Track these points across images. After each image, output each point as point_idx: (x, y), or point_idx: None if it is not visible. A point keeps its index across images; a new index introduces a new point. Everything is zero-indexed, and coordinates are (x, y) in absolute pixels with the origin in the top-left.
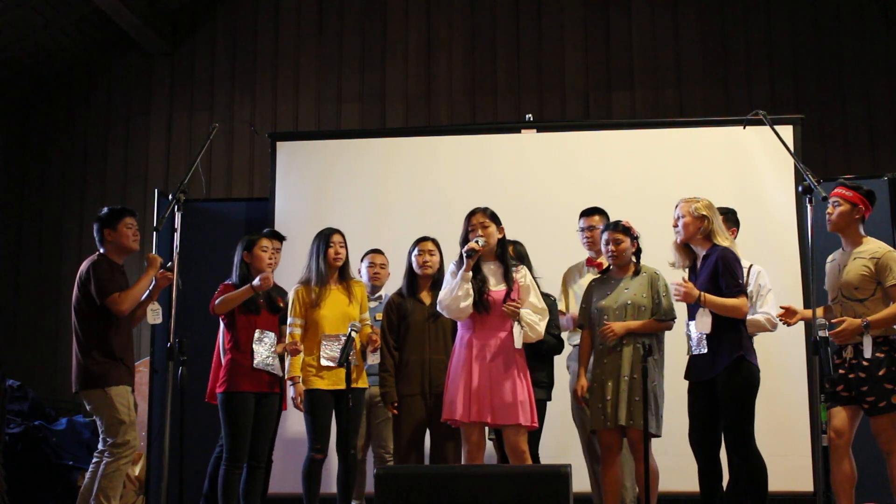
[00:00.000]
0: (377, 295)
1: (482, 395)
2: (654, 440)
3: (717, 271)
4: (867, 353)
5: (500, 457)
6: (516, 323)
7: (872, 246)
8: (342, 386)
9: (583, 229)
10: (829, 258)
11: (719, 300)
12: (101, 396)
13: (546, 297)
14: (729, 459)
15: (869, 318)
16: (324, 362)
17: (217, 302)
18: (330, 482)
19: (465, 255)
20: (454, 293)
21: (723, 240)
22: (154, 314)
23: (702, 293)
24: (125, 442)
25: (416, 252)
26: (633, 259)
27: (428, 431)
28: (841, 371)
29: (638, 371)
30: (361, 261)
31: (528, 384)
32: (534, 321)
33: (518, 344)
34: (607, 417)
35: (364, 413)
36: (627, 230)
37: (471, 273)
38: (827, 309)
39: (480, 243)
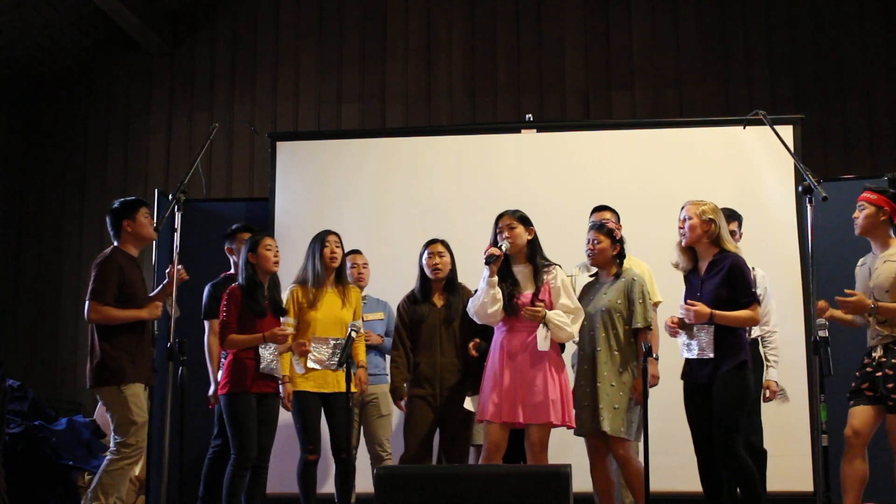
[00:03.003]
0: (362, 296)
1: (513, 396)
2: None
3: (731, 280)
4: (869, 338)
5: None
6: (542, 326)
7: None
8: (327, 389)
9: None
10: (860, 262)
11: (731, 315)
12: (115, 394)
13: None
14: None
15: (880, 304)
16: (310, 364)
17: (227, 342)
18: (328, 482)
19: (485, 261)
20: (481, 300)
21: (731, 245)
22: (175, 309)
23: (713, 312)
24: (134, 443)
25: (425, 255)
26: (616, 262)
27: (438, 433)
28: (868, 370)
29: (617, 378)
30: None
31: (563, 383)
32: (563, 322)
33: (543, 347)
34: (586, 423)
35: (357, 412)
36: (611, 232)
37: (496, 279)
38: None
39: (504, 248)
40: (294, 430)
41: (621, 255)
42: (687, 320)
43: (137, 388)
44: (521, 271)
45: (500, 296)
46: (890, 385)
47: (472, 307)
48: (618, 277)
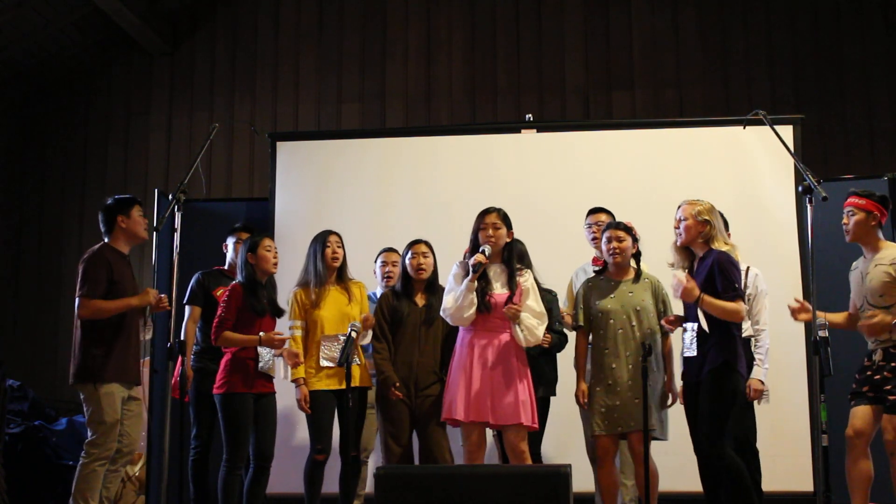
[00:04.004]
0: None
1: (483, 395)
2: (654, 441)
3: (713, 274)
4: (869, 341)
5: (502, 456)
6: (516, 326)
7: (892, 251)
8: (342, 386)
9: (590, 225)
10: (852, 266)
11: (717, 302)
12: (91, 392)
13: (548, 292)
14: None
15: None
16: (323, 363)
17: (220, 338)
18: (331, 482)
19: (471, 268)
20: (459, 303)
21: (721, 244)
22: (147, 330)
23: (701, 294)
24: (101, 443)
25: (409, 255)
26: (633, 261)
27: (415, 432)
28: (868, 373)
29: (637, 374)
30: (375, 260)
31: (530, 385)
32: (532, 325)
33: (523, 343)
34: (607, 422)
35: (375, 413)
36: (629, 230)
37: (476, 284)
38: (852, 317)
39: (487, 253)
40: (296, 430)
41: (638, 253)
42: (674, 295)
43: (114, 388)
44: (495, 270)
45: (476, 299)
46: (888, 387)
47: (448, 308)
48: (638, 277)
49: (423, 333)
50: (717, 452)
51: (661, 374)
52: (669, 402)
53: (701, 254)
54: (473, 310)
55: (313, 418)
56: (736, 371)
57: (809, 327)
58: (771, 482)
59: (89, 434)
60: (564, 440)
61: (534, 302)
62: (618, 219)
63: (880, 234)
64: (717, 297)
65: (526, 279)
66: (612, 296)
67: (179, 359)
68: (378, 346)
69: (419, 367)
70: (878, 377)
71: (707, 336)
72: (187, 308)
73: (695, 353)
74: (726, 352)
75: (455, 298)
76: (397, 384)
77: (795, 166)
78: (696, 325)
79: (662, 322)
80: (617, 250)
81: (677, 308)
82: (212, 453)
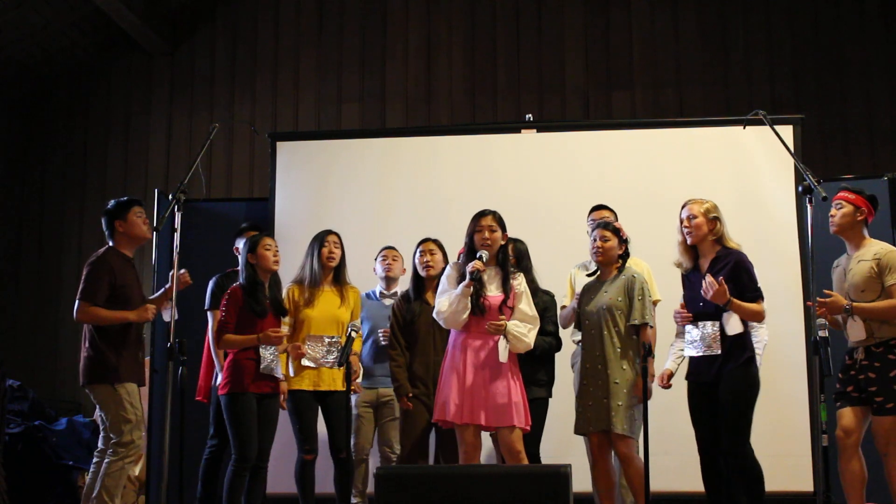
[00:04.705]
0: (392, 291)
1: (475, 396)
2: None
3: (736, 275)
4: (847, 335)
5: (500, 457)
6: (502, 337)
7: (875, 247)
8: (323, 387)
9: (593, 222)
10: (834, 263)
11: (746, 305)
12: (110, 393)
13: (545, 293)
14: (724, 458)
15: (855, 304)
16: (305, 362)
17: (222, 342)
18: (328, 483)
19: (468, 275)
20: (454, 307)
21: (733, 242)
22: (174, 312)
23: (731, 298)
24: (130, 441)
25: (418, 254)
26: (619, 262)
27: (433, 433)
28: (851, 372)
29: (620, 376)
30: (376, 259)
31: (521, 385)
32: (521, 333)
33: (503, 358)
34: (580, 421)
35: (371, 413)
36: (617, 230)
37: (471, 289)
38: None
39: (485, 259)
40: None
41: (625, 255)
42: (705, 294)
43: (131, 386)
44: (489, 273)
45: (470, 304)
46: (873, 388)
47: (442, 312)
48: (619, 276)
49: (437, 331)
50: (741, 451)
51: (632, 372)
52: (636, 400)
53: (711, 253)
54: (467, 314)
55: (298, 419)
56: (755, 366)
57: (809, 327)
58: (771, 482)
59: (112, 437)
60: (564, 440)
61: (526, 306)
62: (617, 217)
63: (865, 232)
64: (739, 297)
65: (519, 283)
66: (592, 298)
67: (204, 359)
68: (393, 354)
69: (436, 366)
70: (862, 377)
71: (724, 335)
72: (209, 314)
73: (719, 352)
74: (746, 349)
75: (450, 303)
76: (410, 394)
77: (795, 166)
78: (717, 322)
79: (676, 311)
80: (600, 250)
81: (666, 300)
82: (226, 455)
